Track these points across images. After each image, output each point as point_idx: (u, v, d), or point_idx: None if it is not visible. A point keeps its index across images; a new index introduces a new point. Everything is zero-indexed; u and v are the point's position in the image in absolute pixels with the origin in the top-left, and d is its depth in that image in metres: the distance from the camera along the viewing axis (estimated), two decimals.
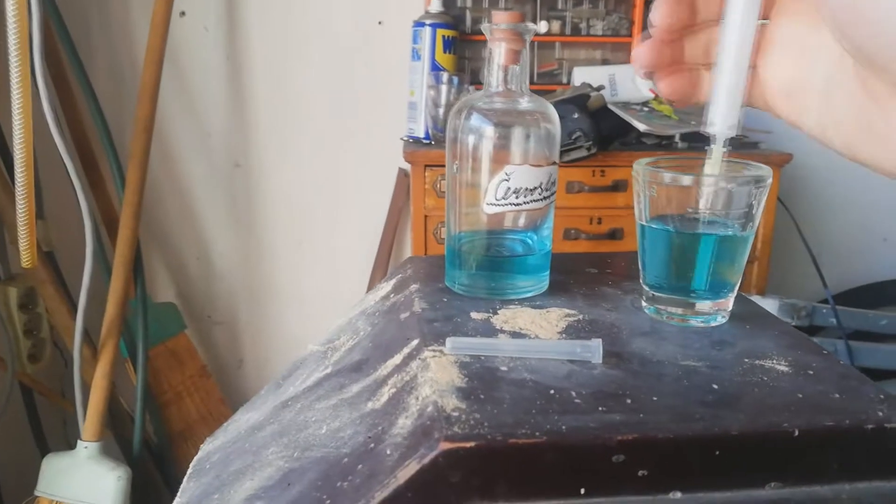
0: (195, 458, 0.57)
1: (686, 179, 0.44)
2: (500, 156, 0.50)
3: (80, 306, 1.17)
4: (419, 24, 1.37)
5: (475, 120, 0.50)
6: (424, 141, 1.35)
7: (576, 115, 1.24)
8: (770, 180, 0.45)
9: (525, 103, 0.51)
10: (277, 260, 1.62)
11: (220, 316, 1.65)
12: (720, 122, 0.36)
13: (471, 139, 0.50)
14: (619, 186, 1.27)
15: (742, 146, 1.35)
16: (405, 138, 1.39)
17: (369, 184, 1.57)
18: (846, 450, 0.34)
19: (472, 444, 0.32)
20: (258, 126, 1.55)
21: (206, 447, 0.58)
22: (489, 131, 0.50)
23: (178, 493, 0.53)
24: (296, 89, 1.53)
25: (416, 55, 1.37)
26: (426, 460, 0.32)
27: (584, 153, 1.23)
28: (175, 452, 1.44)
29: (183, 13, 1.47)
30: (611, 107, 1.31)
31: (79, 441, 1.23)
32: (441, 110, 1.30)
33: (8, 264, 1.30)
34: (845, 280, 1.61)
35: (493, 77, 0.50)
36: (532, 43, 1.46)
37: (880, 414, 0.35)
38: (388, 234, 1.56)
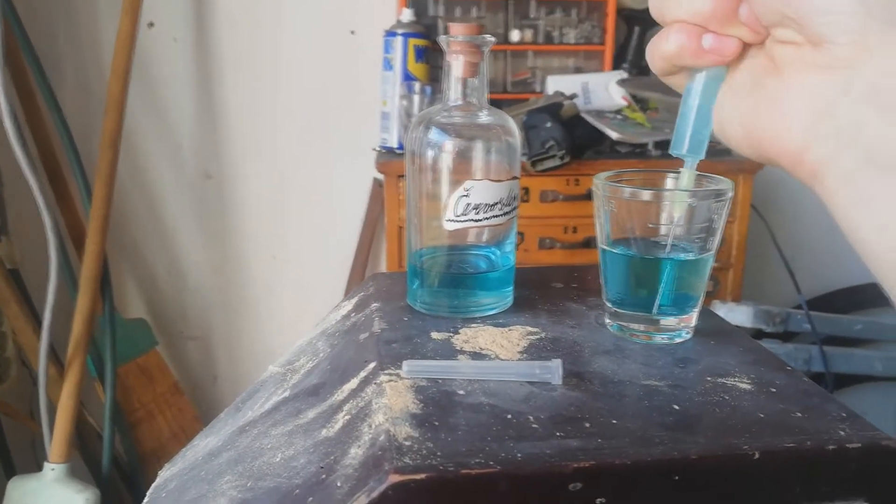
0: (152, 486, 0.55)
1: (646, 195, 0.43)
2: (460, 170, 0.49)
3: (44, 324, 1.14)
4: (391, 33, 1.36)
5: (434, 134, 0.49)
6: (398, 151, 1.34)
7: (549, 124, 1.23)
8: (731, 193, 0.44)
9: (485, 117, 0.50)
10: (251, 273, 1.60)
11: (193, 331, 1.62)
12: (690, 144, 0.35)
13: (430, 154, 0.49)
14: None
15: (715, 153, 1.35)
16: (378, 148, 1.37)
17: (344, 195, 1.55)
18: (808, 471, 0.33)
19: (422, 475, 0.31)
20: (229, 137, 1.53)
21: (164, 474, 0.56)
22: (448, 146, 0.49)
23: None
24: (267, 100, 1.51)
25: (388, 65, 1.36)
26: (375, 494, 0.31)
27: (557, 162, 1.23)
28: (147, 472, 1.41)
29: (151, 24, 1.45)
30: (584, 115, 1.31)
31: (45, 463, 1.20)
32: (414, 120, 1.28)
33: None
34: (820, 285, 1.62)
35: (452, 90, 0.49)
36: (505, 52, 1.46)
37: (842, 433, 0.34)
38: (364, 246, 1.54)
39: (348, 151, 1.52)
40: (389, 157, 1.32)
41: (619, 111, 1.38)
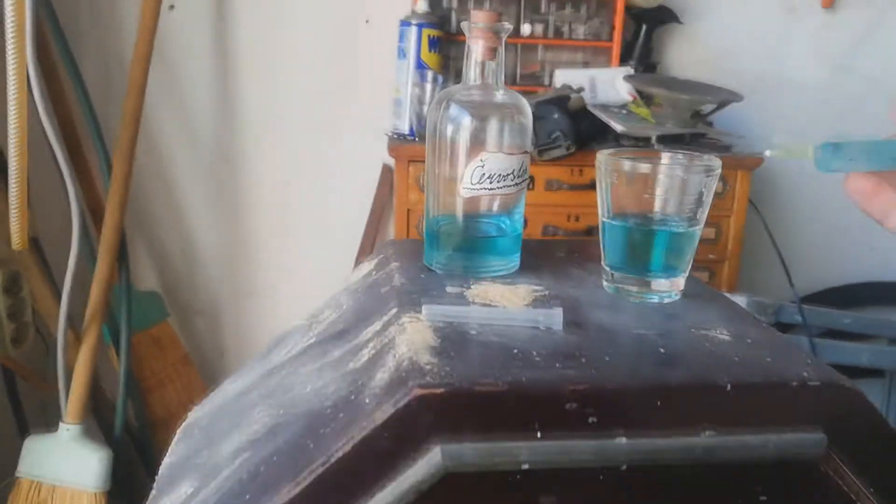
0: (183, 424, 0.60)
1: (644, 167, 0.48)
2: (477, 144, 0.54)
3: (65, 289, 1.19)
4: (405, 23, 1.40)
5: (454, 110, 0.54)
6: (409, 137, 1.39)
7: (556, 116, 1.28)
8: (719, 170, 0.49)
9: (500, 96, 0.55)
10: (261, 253, 1.65)
11: (202, 306, 1.67)
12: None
13: (449, 128, 0.54)
14: None
15: (715, 149, 1.40)
16: (390, 134, 1.42)
17: (353, 179, 1.60)
18: (773, 403, 0.39)
19: (441, 389, 0.36)
20: (245, 120, 1.58)
21: (194, 414, 0.61)
22: (466, 121, 0.54)
23: (167, 455, 0.55)
24: (283, 85, 1.56)
25: (401, 54, 1.41)
26: (401, 404, 0.36)
27: (563, 152, 1.28)
28: (156, 439, 1.46)
29: (172, 7, 1.49)
30: (590, 108, 1.36)
31: (61, 423, 1.25)
32: (425, 108, 1.33)
33: None
34: (816, 282, 1.67)
35: (472, 71, 0.54)
36: (516, 45, 1.51)
37: (805, 374, 0.39)
38: (371, 229, 1.59)
39: (360, 136, 1.57)
40: (401, 143, 1.37)
41: (623, 106, 1.43)
